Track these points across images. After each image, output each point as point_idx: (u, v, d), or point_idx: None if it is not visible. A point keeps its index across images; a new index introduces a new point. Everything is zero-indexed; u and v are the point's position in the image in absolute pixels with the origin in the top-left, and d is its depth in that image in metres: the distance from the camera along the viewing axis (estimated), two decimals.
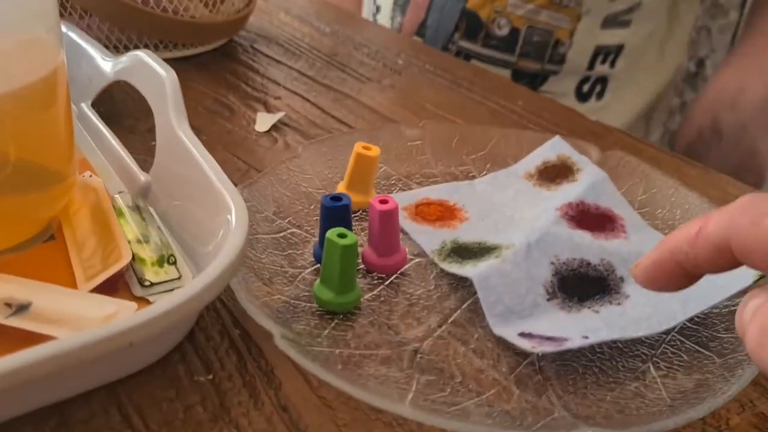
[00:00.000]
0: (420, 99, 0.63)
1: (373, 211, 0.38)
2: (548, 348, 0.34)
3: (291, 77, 0.65)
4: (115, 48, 0.64)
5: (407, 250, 0.41)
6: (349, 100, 0.61)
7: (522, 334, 0.35)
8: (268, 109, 0.59)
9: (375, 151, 0.43)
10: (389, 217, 0.38)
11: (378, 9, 0.97)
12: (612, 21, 0.84)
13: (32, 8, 0.36)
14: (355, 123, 0.57)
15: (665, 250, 0.32)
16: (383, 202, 0.38)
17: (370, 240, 0.39)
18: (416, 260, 0.41)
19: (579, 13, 0.83)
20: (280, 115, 0.57)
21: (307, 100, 0.61)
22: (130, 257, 0.36)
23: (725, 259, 0.29)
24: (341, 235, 0.35)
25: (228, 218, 0.34)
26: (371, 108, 0.60)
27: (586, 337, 0.35)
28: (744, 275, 0.37)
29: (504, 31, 0.84)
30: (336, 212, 0.38)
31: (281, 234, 0.41)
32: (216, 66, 0.66)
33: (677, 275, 0.32)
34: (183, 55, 0.66)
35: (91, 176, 0.43)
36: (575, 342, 0.34)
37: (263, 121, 0.56)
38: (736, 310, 0.37)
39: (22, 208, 0.38)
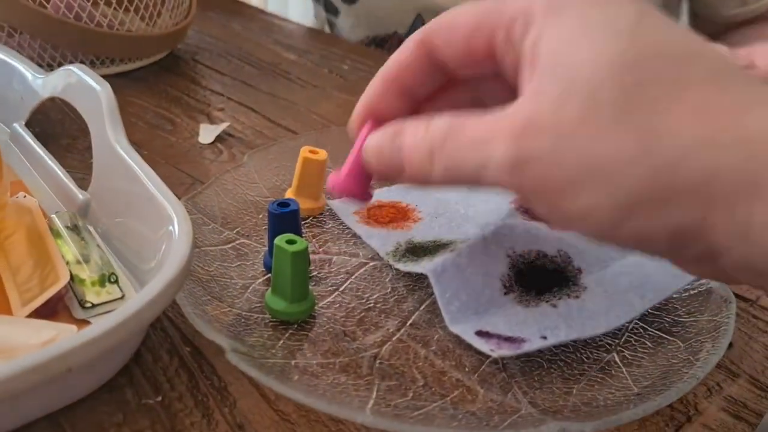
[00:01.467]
0: None
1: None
2: (507, 351, 0.33)
3: (234, 88, 0.63)
4: (50, 66, 0.62)
5: (361, 254, 0.39)
6: (296, 108, 0.60)
7: (479, 333, 0.34)
8: (212, 120, 0.57)
9: (322, 154, 0.42)
10: None
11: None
12: None
13: None
14: (303, 131, 0.56)
15: (380, 79, 0.32)
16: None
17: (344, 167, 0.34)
18: (371, 264, 0.40)
19: None
20: (224, 126, 0.55)
21: (252, 110, 0.59)
22: (68, 278, 0.34)
23: (426, 58, 0.30)
24: (290, 242, 0.34)
25: (170, 230, 0.33)
26: (319, 114, 0.59)
27: (545, 337, 0.34)
28: None
29: None
30: (284, 218, 0.36)
31: (230, 245, 0.40)
32: (156, 80, 0.64)
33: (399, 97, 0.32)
34: (121, 70, 0.64)
35: (25, 197, 0.41)
36: (534, 343, 0.33)
37: (207, 133, 0.54)
38: (696, 293, 0.37)
39: None
